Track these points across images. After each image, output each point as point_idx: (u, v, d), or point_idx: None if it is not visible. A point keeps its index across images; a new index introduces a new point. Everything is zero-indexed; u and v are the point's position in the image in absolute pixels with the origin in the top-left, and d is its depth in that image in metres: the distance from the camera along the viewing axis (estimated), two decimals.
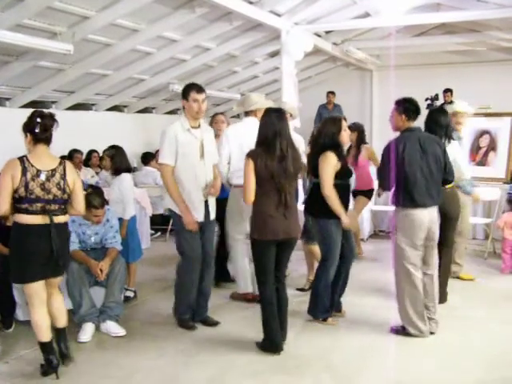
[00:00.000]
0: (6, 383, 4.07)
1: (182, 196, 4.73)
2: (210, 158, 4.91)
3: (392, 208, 8.10)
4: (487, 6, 8.92)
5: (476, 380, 4.05)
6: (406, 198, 4.60)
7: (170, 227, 8.38)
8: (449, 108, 6.15)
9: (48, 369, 4.09)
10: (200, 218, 4.82)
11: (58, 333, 4.23)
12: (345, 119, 5.02)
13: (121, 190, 5.57)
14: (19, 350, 4.58)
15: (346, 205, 4.98)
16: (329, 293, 5.00)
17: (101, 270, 4.93)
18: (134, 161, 9.88)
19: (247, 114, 5.69)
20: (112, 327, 4.87)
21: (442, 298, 5.38)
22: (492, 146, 8.31)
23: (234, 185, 5.48)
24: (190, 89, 4.76)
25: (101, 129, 10.01)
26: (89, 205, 4.96)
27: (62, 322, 4.23)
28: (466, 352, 4.50)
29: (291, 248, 4.56)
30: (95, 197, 5.03)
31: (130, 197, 5.63)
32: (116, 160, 5.67)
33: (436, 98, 10.94)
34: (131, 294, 5.82)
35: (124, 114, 11.21)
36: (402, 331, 4.76)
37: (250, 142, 5.45)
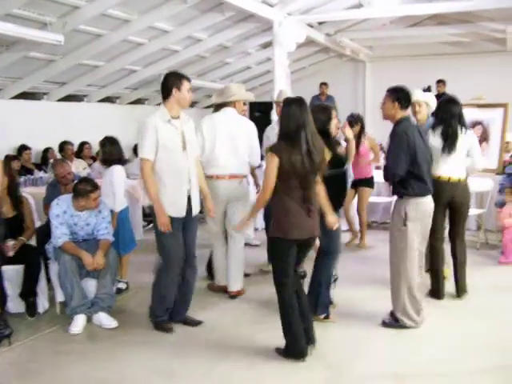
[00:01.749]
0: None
1: (162, 191, 4.54)
2: (193, 150, 4.71)
3: (385, 199, 8.20)
4: None
5: (468, 370, 4.06)
6: (419, 186, 4.59)
7: None
8: None
9: None
10: (182, 213, 4.62)
11: None
12: (335, 109, 4.91)
13: (111, 182, 5.55)
14: (12, 341, 4.55)
15: (342, 194, 4.93)
16: (329, 289, 4.89)
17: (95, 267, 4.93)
18: (127, 152, 9.84)
19: (226, 104, 5.56)
20: (104, 319, 4.86)
21: (463, 287, 5.47)
22: (484, 137, 8.29)
23: (208, 175, 5.29)
24: (183, 78, 4.56)
25: (93, 120, 9.98)
26: (84, 193, 4.94)
27: None
28: (458, 343, 4.50)
29: (311, 247, 4.35)
30: (85, 183, 5.02)
31: (120, 188, 5.59)
32: (106, 150, 5.65)
33: (429, 89, 10.92)
34: (123, 286, 5.80)
35: (116, 105, 11.19)
36: (394, 323, 4.74)
37: (229, 133, 5.40)
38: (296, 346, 4.15)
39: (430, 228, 4.77)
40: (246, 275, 5.90)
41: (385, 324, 4.78)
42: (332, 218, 4.38)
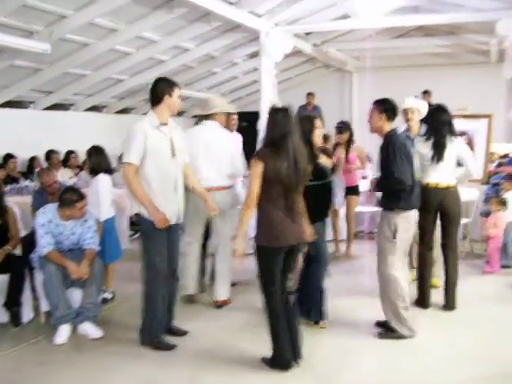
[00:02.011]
0: None
1: (152, 198, 4.44)
2: (182, 157, 4.67)
3: (370, 209, 8.22)
4: (464, 10, 9.03)
5: (458, 380, 4.07)
6: (411, 199, 4.60)
7: None
8: None
9: None
10: (172, 220, 4.57)
11: None
12: (320, 118, 4.92)
13: (97, 191, 5.53)
14: None
15: (325, 206, 4.93)
16: (322, 294, 4.90)
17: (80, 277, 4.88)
18: (113, 161, 9.81)
19: (207, 117, 5.50)
20: (89, 329, 4.82)
21: (452, 303, 5.41)
22: (470, 147, 8.35)
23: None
24: (174, 85, 4.52)
25: (79, 129, 9.95)
26: (70, 202, 4.91)
27: None
28: (446, 352, 4.51)
29: (299, 253, 4.33)
30: (71, 192, 5.00)
31: (105, 198, 5.57)
32: (92, 159, 5.64)
33: None
34: (109, 296, 5.77)
35: (103, 114, 11.16)
36: (390, 334, 4.71)
37: (208, 147, 5.31)
38: (282, 357, 4.13)
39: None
40: (233, 284, 5.89)
41: (381, 335, 4.75)
42: (308, 231, 4.31)
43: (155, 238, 4.50)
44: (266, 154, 3.99)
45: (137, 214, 4.60)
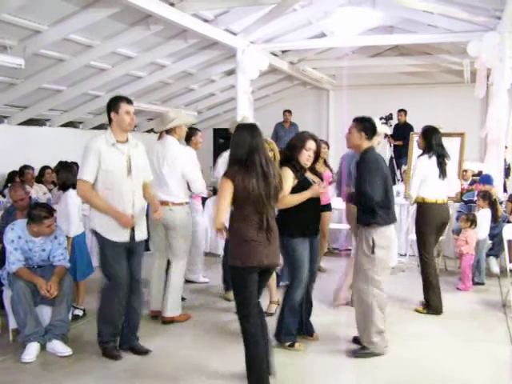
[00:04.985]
0: None
1: (104, 215, 4.50)
2: (139, 175, 4.66)
3: (345, 226, 8.23)
4: (437, 31, 9.21)
5: None
6: (385, 215, 4.64)
7: None
8: None
9: None
10: (124, 238, 4.58)
11: None
12: (315, 140, 4.82)
13: (66, 207, 5.49)
14: None
15: (310, 223, 4.81)
16: (295, 317, 4.84)
17: (48, 291, 4.80)
18: None
19: (167, 132, 5.48)
20: (58, 346, 4.76)
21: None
22: None
23: None
24: (120, 101, 4.57)
25: (55, 145, 9.87)
26: (38, 219, 4.87)
27: None
28: (418, 370, 4.52)
29: (271, 275, 4.28)
30: (41, 208, 4.97)
31: (74, 214, 5.53)
32: (61, 175, 5.61)
33: (390, 117, 11.15)
34: (80, 313, 5.71)
35: (79, 130, 11.08)
36: (361, 352, 4.71)
37: (155, 163, 5.26)
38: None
39: (391, 255, 4.87)
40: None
41: (355, 354, 4.73)
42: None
43: (111, 251, 4.55)
44: (234, 172, 3.93)
45: (92, 231, 4.67)
